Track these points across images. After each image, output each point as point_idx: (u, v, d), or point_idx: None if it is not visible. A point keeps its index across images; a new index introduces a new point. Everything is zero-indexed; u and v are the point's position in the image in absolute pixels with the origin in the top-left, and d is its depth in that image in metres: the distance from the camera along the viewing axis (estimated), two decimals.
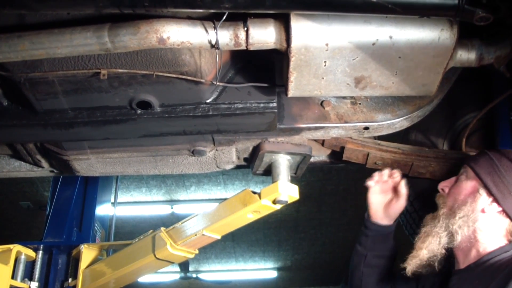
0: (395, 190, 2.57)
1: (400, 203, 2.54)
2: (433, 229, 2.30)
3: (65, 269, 3.61)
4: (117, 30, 1.82)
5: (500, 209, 2.21)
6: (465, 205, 2.24)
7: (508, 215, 2.21)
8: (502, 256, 2.16)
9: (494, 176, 2.23)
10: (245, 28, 1.92)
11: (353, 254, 2.68)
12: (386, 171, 2.58)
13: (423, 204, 3.01)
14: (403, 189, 2.54)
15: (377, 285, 2.61)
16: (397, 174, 2.58)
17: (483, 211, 2.22)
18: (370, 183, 2.59)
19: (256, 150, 2.56)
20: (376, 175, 2.60)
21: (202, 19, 1.92)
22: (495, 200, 2.21)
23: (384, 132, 2.59)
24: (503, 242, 2.21)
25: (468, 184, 2.29)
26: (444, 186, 2.42)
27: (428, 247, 2.28)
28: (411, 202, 3.08)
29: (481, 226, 2.21)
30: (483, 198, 2.23)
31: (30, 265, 3.57)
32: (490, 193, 2.22)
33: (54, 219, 4.12)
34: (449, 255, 2.32)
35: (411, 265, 2.32)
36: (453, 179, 2.41)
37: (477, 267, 2.19)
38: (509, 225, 2.22)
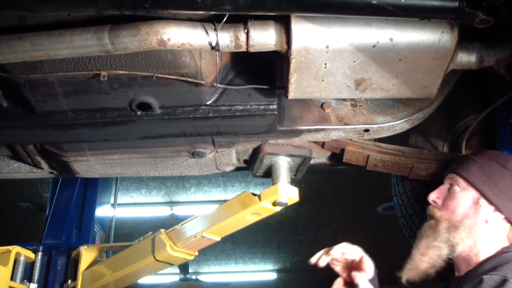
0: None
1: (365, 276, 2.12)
2: (433, 242, 2.25)
3: (65, 270, 3.59)
4: (117, 31, 1.83)
5: (503, 216, 2.19)
6: (467, 218, 2.21)
7: (509, 221, 2.20)
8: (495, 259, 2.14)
9: (491, 185, 2.21)
10: (246, 30, 1.92)
11: None
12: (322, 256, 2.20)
13: (423, 207, 3.01)
14: (367, 265, 2.11)
15: None
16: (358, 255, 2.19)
17: (486, 221, 2.20)
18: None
19: (256, 152, 2.56)
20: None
21: (203, 20, 1.92)
22: (497, 208, 2.19)
23: (384, 134, 2.59)
24: (503, 245, 2.20)
25: (465, 196, 2.25)
26: (435, 198, 2.35)
27: (428, 260, 2.24)
28: (411, 204, 3.08)
29: (483, 235, 2.19)
30: (485, 209, 2.20)
31: (30, 266, 3.55)
32: (491, 202, 2.20)
33: (54, 221, 4.10)
34: (449, 263, 2.29)
35: (408, 275, 2.29)
36: (442, 189, 2.35)
37: (473, 271, 2.16)
38: (509, 229, 2.21)
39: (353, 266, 2.16)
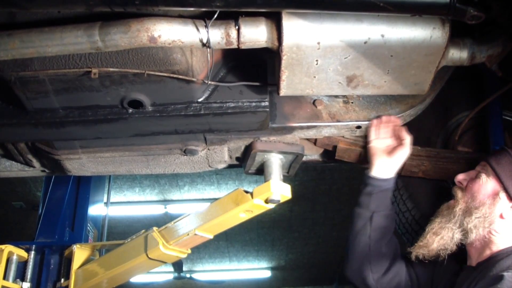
0: (398, 137, 2.48)
1: (404, 150, 2.45)
2: (447, 224, 2.26)
3: (58, 269, 3.58)
4: (108, 28, 1.82)
5: None
6: (483, 206, 2.20)
7: None
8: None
9: None
10: (237, 27, 1.92)
11: (354, 219, 2.50)
12: (384, 117, 2.48)
13: (416, 204, 3.01)
14: (406, 135, 2.46)
15: (386, 247, 2.47)
16: (396, 119, 2.49)
17: (501, 216, 2.19)
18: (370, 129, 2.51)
19: (248, 149, 2.56)
20: (374, 121, 2.49)
21: (194, 17, 1.92)
22: None
23: None
24: None
25: (488, 185, 2.25)
26: (462, 179, 2.36)
27: (440, 241, 2.25)
28: (404, 201, 3.08)
29: (497, 228, 2.19)
30: (503, 202, 2.20)
31: (22, 265, 3.55)
32: (510, 198, 2.19)
33: (47, 219, 4.09)
34: (462, 249, 2.30)
35: (417, 252, 2.30)
36: (472, 173, 2.35)
37: (487, 264, 2.16)
38: None
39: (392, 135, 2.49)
